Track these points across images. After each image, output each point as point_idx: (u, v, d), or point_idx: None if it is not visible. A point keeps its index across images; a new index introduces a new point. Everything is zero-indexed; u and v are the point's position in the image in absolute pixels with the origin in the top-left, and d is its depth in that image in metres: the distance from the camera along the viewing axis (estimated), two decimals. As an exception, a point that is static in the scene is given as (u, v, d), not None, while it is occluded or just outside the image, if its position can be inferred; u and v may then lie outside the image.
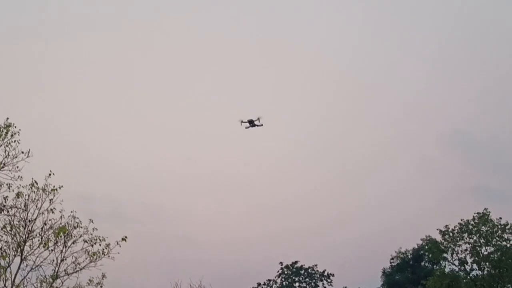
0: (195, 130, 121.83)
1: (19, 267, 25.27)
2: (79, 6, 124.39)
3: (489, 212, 53.75)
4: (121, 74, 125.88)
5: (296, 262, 71.14)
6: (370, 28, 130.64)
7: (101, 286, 25.45)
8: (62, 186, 26.18)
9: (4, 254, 25.31)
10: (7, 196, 25.64)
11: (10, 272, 25.09)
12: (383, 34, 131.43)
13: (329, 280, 69.86)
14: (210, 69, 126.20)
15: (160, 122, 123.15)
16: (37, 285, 25.28)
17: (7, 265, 25.07)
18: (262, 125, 55.82)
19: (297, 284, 70.45)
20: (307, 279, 70.28)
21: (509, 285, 46.58)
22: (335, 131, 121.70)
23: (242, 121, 55.61)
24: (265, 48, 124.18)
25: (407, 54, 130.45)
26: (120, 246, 25.72)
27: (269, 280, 71.25)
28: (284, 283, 70.74)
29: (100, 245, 25.73)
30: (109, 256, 25.78)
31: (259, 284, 71.24)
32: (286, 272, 71.12)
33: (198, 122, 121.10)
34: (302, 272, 70.63)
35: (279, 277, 71.54)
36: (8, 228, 25.56)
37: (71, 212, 26.14)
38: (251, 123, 55.47)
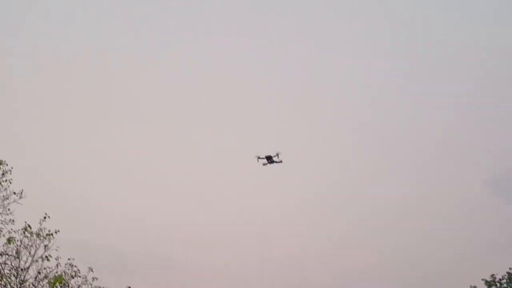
0: (204, 175, 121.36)
1: None
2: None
3: None
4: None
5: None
6: (395, 59, 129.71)
7: None
8: (58, 231, 25.91)
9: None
10: None
11: None
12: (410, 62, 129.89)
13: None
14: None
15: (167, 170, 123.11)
16: None
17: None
18: (281, 161, 55.13)
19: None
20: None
21: None
22: (360, 176, 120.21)
23: (259, 157, 54.61)
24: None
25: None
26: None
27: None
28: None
29: (101, 294, 25.28)
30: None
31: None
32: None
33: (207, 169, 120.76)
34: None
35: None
36: (-3, 279, 24.56)
37: (68, 259, 26.15)
38: (269, 159, 54.64)
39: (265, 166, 53.74)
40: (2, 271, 25.48)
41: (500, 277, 53.29)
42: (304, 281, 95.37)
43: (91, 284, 25.70)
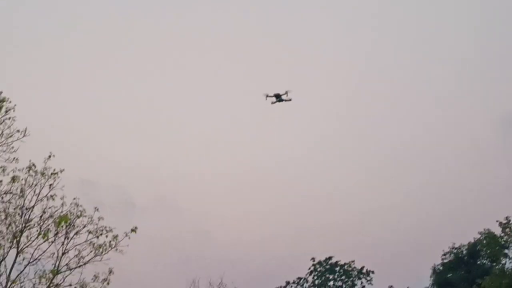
0: (213, 123, 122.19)
1: (14, 261, 25.35)
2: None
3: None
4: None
5: (330, 258, 70.55)
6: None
7: (108, 283, 25.25)
8: (63, 170, 26.28)
9: (-4, 247, 25.57)
10: (1, 181, 25.79)
11: (5, 266, 25.24)
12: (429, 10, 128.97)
13: (368, 278, 69.15)
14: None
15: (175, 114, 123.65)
16: (35, 280, 25.25)
17: (1, 258, 25.19)
18: (290, 99, 54.99)
19: (331, 282, 69.84)
20: (343, 277, 69.61)
21: None
22: (374, 117, 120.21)
23: (267, 95, 54.66)
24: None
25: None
26: (129, 238, 25.69)
27: (299, 278, 70.75)
28: (316, 281, 70.05)
29: (106, 236, 25.70)
30: (116, 249, 25.68)
31: (288, 282, 70.72)
32: (318, 269, 70.46)
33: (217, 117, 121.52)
34: (337, 269, 69.96)
35: (310, 274, 71.00)
36: (3, 217, 25.58)
37: (74, 199, 26.38)
38: (278, 97, 54.57)
39: (274, 105, 53.98)
40: (7, 210, 25.95)
41: None
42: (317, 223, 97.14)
43: (96, 224, 26.22)
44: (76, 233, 26.12)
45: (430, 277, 62.84)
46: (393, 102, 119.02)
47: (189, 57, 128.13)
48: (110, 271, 25.71)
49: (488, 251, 57.19)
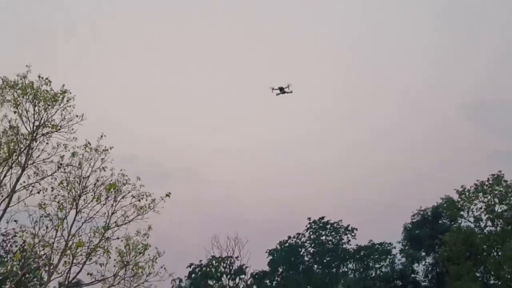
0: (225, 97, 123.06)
1: (74, 219, 26.00)
2: None
3: (503, 174, 54.28)
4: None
5: (323, 218, 71.84)
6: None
7: (147, 237, 26.37)
8: (112, 147, 26.84)
9: (61, 207, 26.23)
10: (63, 156, 26.26)
11: (67, 223, 26.08)
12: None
13: (353, 234, 70.48)
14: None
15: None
16: (90, 235, 26.40)
17: (64, 217, 26.11)
18: (291, 92, 56.28)
19: (323, 237, 71.15)
20: (332, 233, 70.95)
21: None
22: (357, 100, 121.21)
23: (273, 88, 56.17)
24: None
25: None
26: (164, 201, 26.45)
27: (298, 234, 72.09)
28: (311, 236, 71.59)
29: (146, 200, 26.47)
30: (154, 210, 26.55)
31: (289, 237, 72.09)
32: (313, 227, 71.85)
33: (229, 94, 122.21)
34: (328, 226, 71.33)
35: (307, 231, 72.28)
36: (65, 184, 26.32)
37: (120, 170, 26.67)
38: (281, 90, 56.03)
39: (278, 96, 55.68)
40: (68, 179, 26.88)
41: (469, 188, 55.36)
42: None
43: (138, 190, 26.88)
44: (122, 197, 26.52)
45: (402, 233, 63.69)
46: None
47: (215, 45, 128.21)
48: (149, 227, 26.53)
49: (448, 213, 58.63)
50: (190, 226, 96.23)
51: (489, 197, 54.02)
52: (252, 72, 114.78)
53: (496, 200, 53.85)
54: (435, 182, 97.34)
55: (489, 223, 54.81)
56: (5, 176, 26.00)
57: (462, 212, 56.12)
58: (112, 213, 26.44)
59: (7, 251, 33.20)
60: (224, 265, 70.20)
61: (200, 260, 69.93)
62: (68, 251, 26.56)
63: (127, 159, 29.33)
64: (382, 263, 65.70)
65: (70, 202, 26.49)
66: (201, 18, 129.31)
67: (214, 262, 69.97)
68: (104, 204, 26.47)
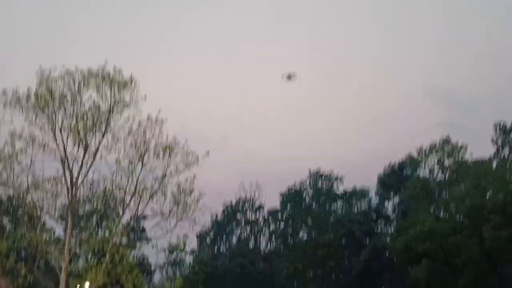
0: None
1: (140, 171, 26.51)
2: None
3: (450, 138, 54.50)
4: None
5: (319, 170, 71.72)
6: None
7: (192, 183, 26.64)
8: (167, 118, 26.91)
9: (131, 162, 26.59)
10: (132, 125, 26.44)
11: (134, 174, 26.64)
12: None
13: (341, 181, 70.40)
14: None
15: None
16: (152, 182, 26.80)
17: (132, 169, 26.59)
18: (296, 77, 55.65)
19: (319, 183, 71.31)
20: (326, 181, 71.15)
21: (462, 184, 47.15)
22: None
23: (283, 75, 55.54)
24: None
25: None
26: (204, 158, 26.71)
27: (302, 182, 72.02)
28: (311, 183, 71.66)
29: (192, 157, 26.79)
30: (197, 165, 26.78)
31: (295, 183, 71.91)
32: (312, 176, 71.69)
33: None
34: (323, 176, 71.33)
35: (308, 179, 72.05)
36: (133, 145, 26.72)
37: (173, 135, 26.93)
38: (289, 77, 55.41)
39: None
40: (136, 141, 26.76)
41: (425, 148, 55.85)
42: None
43: (186, 149, 27.07)
44: (175, 155, 26.94)
45: (377, 180, 64.14)
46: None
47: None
48: (194, 176, 26.73)
49: (410, 166, 58.72)
50: (224, 177, 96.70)
51: (440, 154, 54.38)
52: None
53: (445, 156, 54.23)
54: (401, 143, 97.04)
55: (440, 173, 55.15)
56: (90, 140, 26.29)
57: (420, 166, 56.63)
58: (168, 166, 26.73)
59: (93, 194, 33.68)
60: (248, 203, 70.87)
61: (231, 201, 70.69)
62: (137, 194, 26.96)
63: (180, 128, 29.18)
64: (362, 202, 65.86)
65: (137, 159, 26.79)
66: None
67: (241, 201, 70.64)
68: (162, 160, 26.78)
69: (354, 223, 55.20)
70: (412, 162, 57.68)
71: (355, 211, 63.44)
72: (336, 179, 70.23)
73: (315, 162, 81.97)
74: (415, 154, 57.16)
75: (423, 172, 56.36)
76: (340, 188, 69.61)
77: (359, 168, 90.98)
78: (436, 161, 54.91)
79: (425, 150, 55.32)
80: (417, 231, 43.19)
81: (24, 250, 30.15)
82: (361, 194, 66.20)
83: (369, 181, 67.48)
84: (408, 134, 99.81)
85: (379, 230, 59.59)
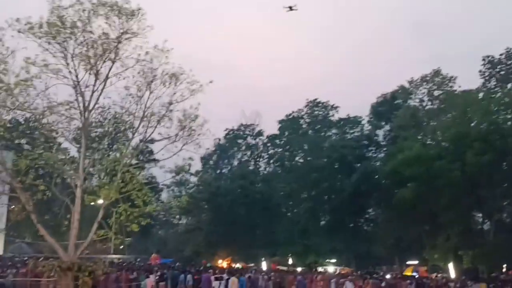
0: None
1: (148, 97, 26.56)
2: None
3: (441, 69, 54.29)
4: None
5: (316, 99, 71.67)
6: None
7: (197, 109, 26.84)
8: (173, 48, 26.72)
9: (139, 88, 26.66)
10: (140, 53, 26.28)
11: (144, 100, 26.77)
12: None
13: (336, 110, 70.63)
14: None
15: None
16: (159, 108, 27.09)
17: (141, 95, 26.65)
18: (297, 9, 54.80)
19: (316, 112, 71.49)
20: (322, 109, 71.24)
21: (449, 114, 47.52)
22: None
23: (284, 7, 54.64)
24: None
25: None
26: (207, 86, 26.75)
27: (299, 109, 72.02)
28: (308, 111, 71.75)
29: (196, 85, 26.84)
30: (201, 92, 26.86)
31: (293, 111, 71.94)
32: (309, 105, 71.86)
33: None
34: (319, 104, 71.41)
35: (305, 107, 71.99)
36: (142, 73, 26.73)
37: (178, 65, 26.82)
38: (290, 8, 54.56)
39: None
40: (144, 69, 27.10)
41: (416, 78, 55.64)
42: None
43: (191, 78, 27.27)
44: (180, 83, 26.91)
45: (369, 110, 64.35)
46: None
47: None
48: (199, 103, 26.60)
49: (401, 96, 58.59)
50: (226, 104, 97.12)
51: (430, 85, 54.30)
52: None
53: (435, 87, 54.17)
54: (394, 74, 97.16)
55: (429, 103, 55.27)
56: (101, 67, 26.17)
57: (411, 96, 56.69)
58: (174, 93, 26.74)
59: (104, 119, 34.04)
60: (249, 129, 71.41)
61: (233, 126, 71.25)
62: (145, 118, 27.17)
63: (184, 57, 28.86)
64: (354, 130, 66.38)
65: (145, 86, 26.81)
66: None
67: (242, 127, 71.17)
68: (168, 87, 26.81)
69: (347, 149, 55.78)
70: (403, 92, 57.65)
71: (348, 138, 63.95)
72: (332, 108, 70.37)
73: (312, 92, 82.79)
74: (407, 85, 57.17)
75: (413, 102, 56.53)
76: (335, 116, 69.84)
77: (353, 98, 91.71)
78: (426, 91, 54.95)
79: (417, 81, 55.30)
80: (405, 156, 43.92)
81: (42, 169, 30.75)
82: (354, 122, 66.60)
83: (362, 111, 67.91)
84: (400, 66, 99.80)
85: (370, 155, 60.33)
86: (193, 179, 69.25)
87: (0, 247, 37.38)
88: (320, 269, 49.01)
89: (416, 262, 50.24)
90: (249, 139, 71.61)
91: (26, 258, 33.79)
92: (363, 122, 65.65)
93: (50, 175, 32.05)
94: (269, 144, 70.92)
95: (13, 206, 29.38)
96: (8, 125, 27.21)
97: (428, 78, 54.32)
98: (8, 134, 26.32)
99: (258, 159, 71.70)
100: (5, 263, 31.05)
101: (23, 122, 37.73)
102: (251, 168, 69.38)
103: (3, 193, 25.22)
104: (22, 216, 26.62)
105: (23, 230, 47.91)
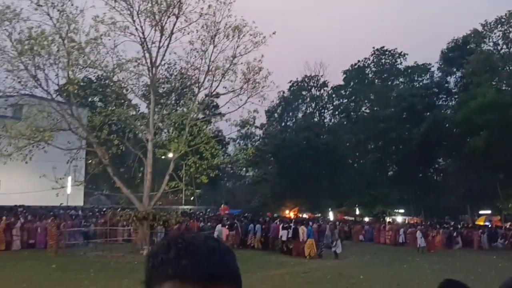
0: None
1: (212, 51, 27.11)
2: None
3: (518, 10, 50.61)
4: None
5: (383, 46, 69.29)
6: None
7: (261, 62, 26.95)
8: (235, 0, 26.68)
9: (203, 42, 27.03)
10: (202, 7, 26.54)
11: (208, 54, 27.17)
12: None
13: (404, 57, 68.08)
14: None
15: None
16: (223, 61, 27.32)
17: (205, 49, 27.06)
18: None
19: (382, 60, 69.30)
20: (389, 57, 68.93)
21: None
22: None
23: None
24: None
25: None
26: (270, 37, 26.67)
27: (365, 58, 70.10)
28: (374, 59, 69.61)
29: (259, 37, 26.77)
30: (265, 44, 26.80)
31: (359, 60, 70.11)
32: (376, 53, 69.54)
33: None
34: (386, 52, 69.07)
35: (371, 56, 69.74)
36: (205, 27, 26.99)
37: (241, 17, 26.86)
38: None
39: None
40: (207, 23, 27.27)
41: (490, 21, 52.13)
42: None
43: (254, 30, 27.15)
44: (243, 35, 27.02)
45: (439, 56, 61.72)
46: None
47: None
48: (262, 56, 26.95)
49: (474, 40, 55.33)
50: (289, 56, 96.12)
51: (505, 27, 50.99)
52: None
53: (511, 30, 50.86)
54: (465, 16, 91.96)
55: (504, 46, 52.15)
56: (165, 22, 26.62)
57: (484, 40, 53.51)
58: (237, 46, 27.06)
59: (171, 75, 34.76)
60: (313, 81, 70.60)
61: (297, 78, 70.63)
62: (210, 72, 27.68)
63: (246, 9, 28.93)
64: (423, 78, 64.08)
65: (208, 40, 27.21)
66: None
67: (306, 79, 70.43)
68: (231, 40, 27.06)
69: (416, 97, 53.98)
70: (476, 36, 54.35)
71: (417, 86, 61.82)
72: (400, 55, 67.90)
73: (379, 40, 79.98)
74: (480, 28, 53.90)
75: (487, 46, 53.44)
76: (403, 65, 67.50)
77: (421, 46, 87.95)
78: (501, 35, 51.71)
79: (491, 23, 52.04)
80: (478, 103, 42.08)
81: (115, 125, 32.28)
82: (423, 69, 64.14)
83: (431, 58, 65.13)
84: (473, 9, 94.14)
85: (440, 104, 58.24)
86: (258, 132, 69.98)
87: (80, 199, 39.83)
88: (388, 219, 48.79)
89: (488, 212, 48.83)
90: (314, 91, 70.85)
91: (104, 209, 35.83)
92: (432, 69, 63.14)
93: (123, 130, 33.60)
94: (334, 95, 69.92)
95: (91, 160, 31.13)
96: (82, 83, 28.61)
97: (503, 20, 50.86)
98: (82, 92, 27.74)
99: (323, 111, 71.07)
100: (86, 213, 33.12)
101: (95, 80, 39.48)
102: (316, 120, 68.93)
103: (81, 147, 26.78)
104: (99, 170, 28.30)
105: (101, 183, 50.77)
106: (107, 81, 32.45)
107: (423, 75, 64.19)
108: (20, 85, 24.06)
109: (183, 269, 0.97)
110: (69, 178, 27.50)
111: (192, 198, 37.59)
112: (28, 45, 23.21)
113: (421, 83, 62.94)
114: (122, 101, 28.90)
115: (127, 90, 28.35)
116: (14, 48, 23.32)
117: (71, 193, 32.24)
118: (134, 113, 29.55)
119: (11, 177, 33.08)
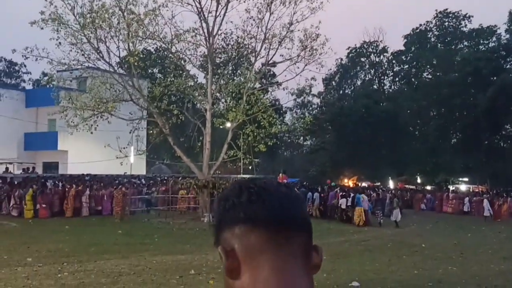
0: None
1: (269, 19, 26.86)
2: None
3: None
4: None
5: (446, 9, 66.11)
6: None
7: (318, 28, 26.54)
8: None
9: (259, 11, 26.80)
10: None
11: (263, 22, 26.97)
12: None
13: (469, 20, 64.79)
14: None
15: None
16: (280, 29, 27.08)
17: (262, 17, 26.86)
18: None
19: (446, 23, 66.25)
20: (453, 20, 65.82)
21: None
22: None
23: None
24: None
25: None
26: (328, 2, 26.01)
27: (427, 21, 67.19)
28: (437, 23, 66.64)
29: (316, 3, 26.22)
30: (322, 10, 26.18)
31: (420, 24, 67.26)
32: (439, 16, 66.51)
33: None
34: (450, 15, 65.93)
35: (434, 19, 66.86)
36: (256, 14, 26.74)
37: None
38: None
39: None
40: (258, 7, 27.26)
41: None
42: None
43: None
44: (300, 1, 26.53)
45: (507, 16, 58.24)
46: None
47: None
48: (319, 22, 26.46)
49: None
50: (347, 21, 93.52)
51: None
52: None
53: None
54: None
55: None
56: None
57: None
58: (294, 13, 26.72)
59: (227, 45, 34.78)
60: (372, 47, 68.72)
61: (355, 44, 68.94)
62: (267, 41, 27.53)
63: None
64: (489, 41, 60.84)
65: (265, 7, 27.00)
66: None
67: (365, 45, 68.64)
68: (287, 7, 26.73)
69: (482, 61, 51.34)
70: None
71: (483, 50, 58.84)
72: (464, 17, 64.68)
73: (442, 2, 76.04)
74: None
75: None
76: (467, 27, 64.33)
77: (488, 6, 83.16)
78: None
79: None
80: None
81: (174, 95, 32.85)
82: (489, 32, 60.84)
83: (499, 19, 61.58)
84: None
85: (508, 67, 55.22)
86: (316, 100, 69.28)
87: (142, 168, 41.16)
88: (451, 187, 47.46)
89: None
90: (373, 57, 69.01)
91: (165, 177, 36.87)
92: (498, 31, 59.77)
93: (182, 101, 34.20)
94: (394, 61, 67.83)
95: (152, 130, 32.01)
96: (142, 55, 29.22)
97: None
98: (142, 64, 28.37)
99: (382, 77, 69.26)
100: (148, 182, 34.25)
101: (154, 52, 40.23)
102: (375, 87, 67.35)
103: (143, 118, 27.54)
104: (160, 139, 29.09)
105: (162, 153, 52.20)
106: (165, 52, 33.05)
107: (489, 37, 60.93)
108: (83, 57, 24.90)
109: (255, 213, 0.95)
110: (132, 148, 28.40)
111: (250, 167, 37.97)
112: (90, 18, 23.87)
113: (487, 46, 59.82)
114: (181, 71, 29.30)
115: (185, 61, 28.69)
116: (77, 22, 24.03)
117: (134, 162, 33.36)
118: (192, 83, 29.94)
119: (78, 147, 34.67)
